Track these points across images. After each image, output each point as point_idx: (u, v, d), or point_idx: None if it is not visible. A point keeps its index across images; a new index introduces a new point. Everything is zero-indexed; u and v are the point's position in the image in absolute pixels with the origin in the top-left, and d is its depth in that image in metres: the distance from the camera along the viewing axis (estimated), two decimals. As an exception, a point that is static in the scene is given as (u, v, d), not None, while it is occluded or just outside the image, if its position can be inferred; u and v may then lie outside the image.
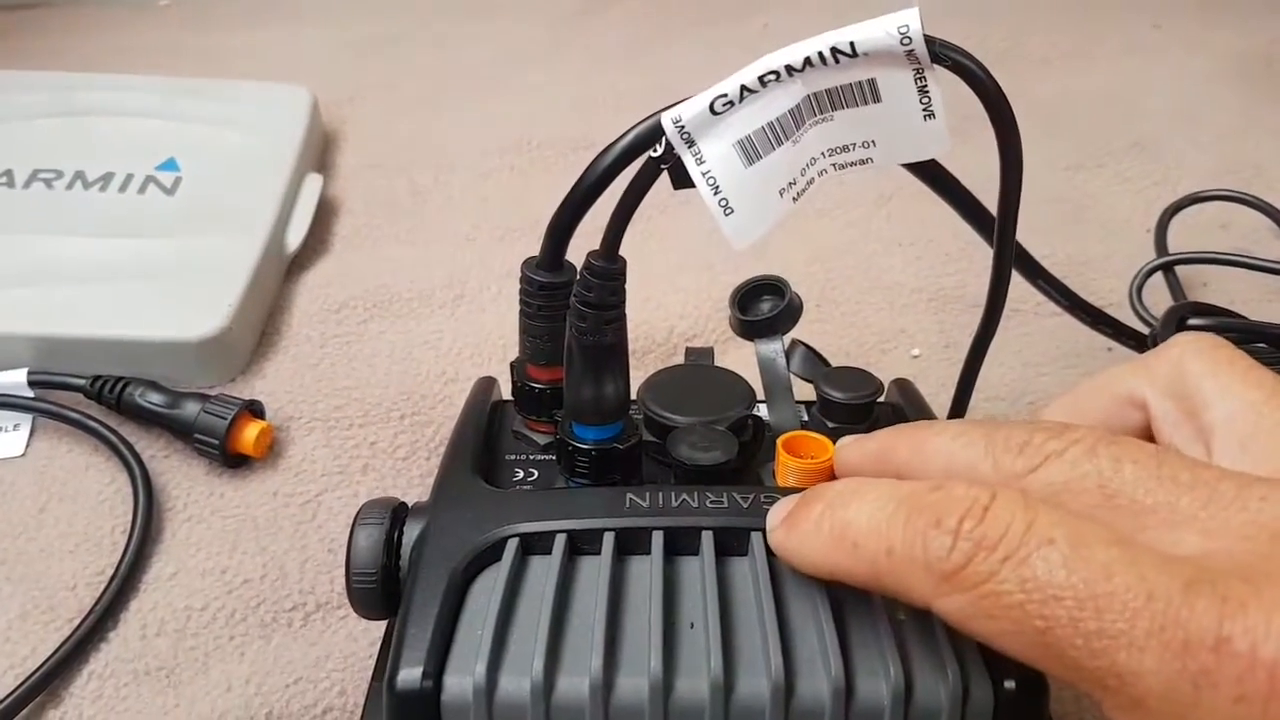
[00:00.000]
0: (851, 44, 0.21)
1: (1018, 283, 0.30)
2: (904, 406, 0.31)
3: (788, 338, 0.30)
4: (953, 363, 0.44)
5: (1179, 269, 0.48)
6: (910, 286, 0.49)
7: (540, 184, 0.57)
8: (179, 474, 0.40)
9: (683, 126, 0.22)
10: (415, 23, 0.77)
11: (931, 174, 0.26)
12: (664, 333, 0.46)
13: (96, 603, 0.34)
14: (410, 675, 0.21)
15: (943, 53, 0.21)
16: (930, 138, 0.23)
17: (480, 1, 0.79)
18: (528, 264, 0.26)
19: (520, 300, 0.26)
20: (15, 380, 0.41)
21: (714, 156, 0.22)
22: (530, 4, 0.79)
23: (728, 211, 0.22)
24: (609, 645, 0.21)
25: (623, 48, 0.73)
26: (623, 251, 0.23)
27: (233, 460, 0.39)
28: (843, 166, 0.24)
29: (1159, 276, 0.47)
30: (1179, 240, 0.51)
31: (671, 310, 0.47)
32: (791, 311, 0.30)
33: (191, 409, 0.39)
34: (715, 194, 0.22)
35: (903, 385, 0.32)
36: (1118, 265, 0.50)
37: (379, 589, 0.25)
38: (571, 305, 0.24)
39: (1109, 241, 0.52)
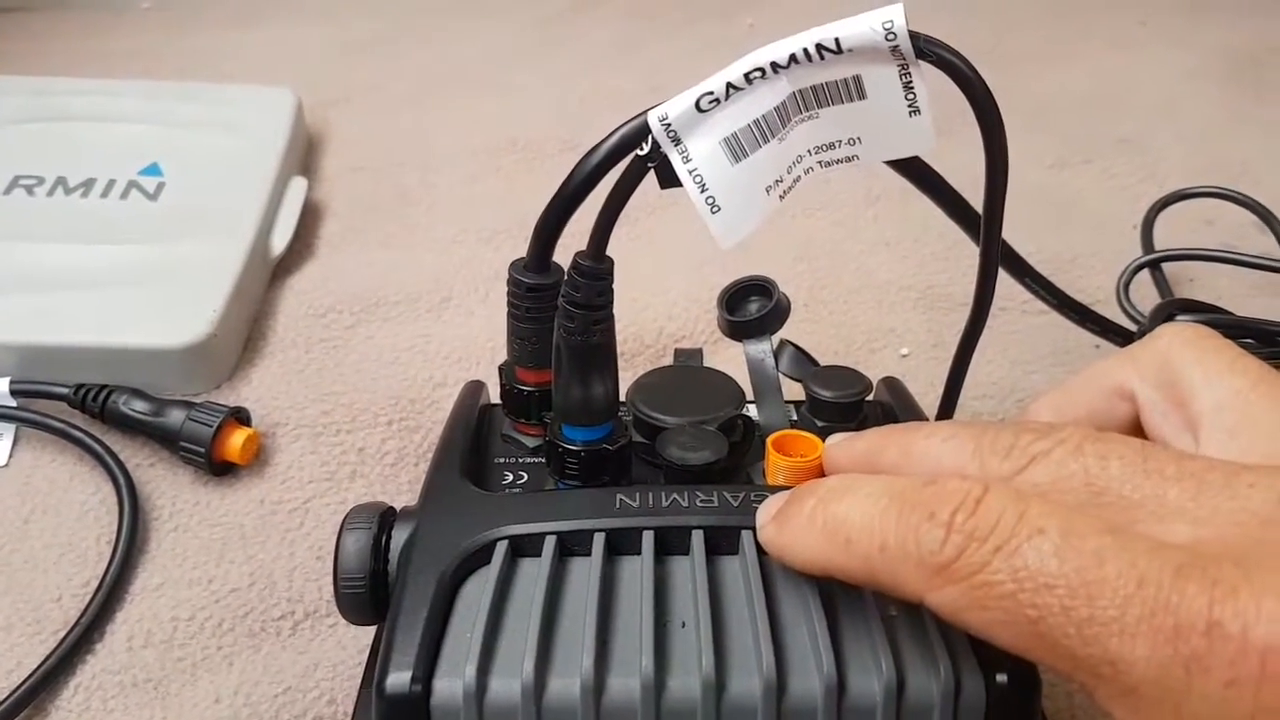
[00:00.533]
0: (836, 40, 0.21)
1: (1005, 280, 0.30)
2: (893, 405, 0.31)
3: (776, 338, 0.30)
4: (941, 361, 0.44)
5: (1166, 265, 0.48)
6: (898, 285, 0.49)
7: (527, 185, 0.57)
8: (164, 483, 0.39)
9: (669, 124, 0.22)
10: (399, 23, 0.76)
11: (917, 172, 0.26)
12: (653, 334, 0.46)
13: (82, 614, 0.34)
14: (399, 679, 0.21)
15: (928, 48, 0.21)
16: (916, 134, 0.23)
17: (466, 1, 0.79)
18: (515, 266, 0.26)
19: (508, 303, 0.26)
20: (-2, 389, 0.41)
21: (700, 154, 0.22)
22: (516, 3, 0.79)
23: (715, 210, 0.22)
24: (600, 646, 0.21)
25: (609, 48, 0.73)
26: (611, 254, 0.23)
27: (219, 468, 0.39)
28: (829, 164, 0.24)
29: (1146, 273, 0.48)
30: (1165, 237, 0.51)
31: (660, 312, 0.47)
32: (779, 312, 0.30)
33: (176, 417, 0.39)
34: (702, 192, 0.22)
35: (891, 384, 0.32)
36: (1104, 262, 0.50)
37: (367, 594, 0.25)
38: (559, 306, 0.24)
39: (1095, 238, 0.52)
